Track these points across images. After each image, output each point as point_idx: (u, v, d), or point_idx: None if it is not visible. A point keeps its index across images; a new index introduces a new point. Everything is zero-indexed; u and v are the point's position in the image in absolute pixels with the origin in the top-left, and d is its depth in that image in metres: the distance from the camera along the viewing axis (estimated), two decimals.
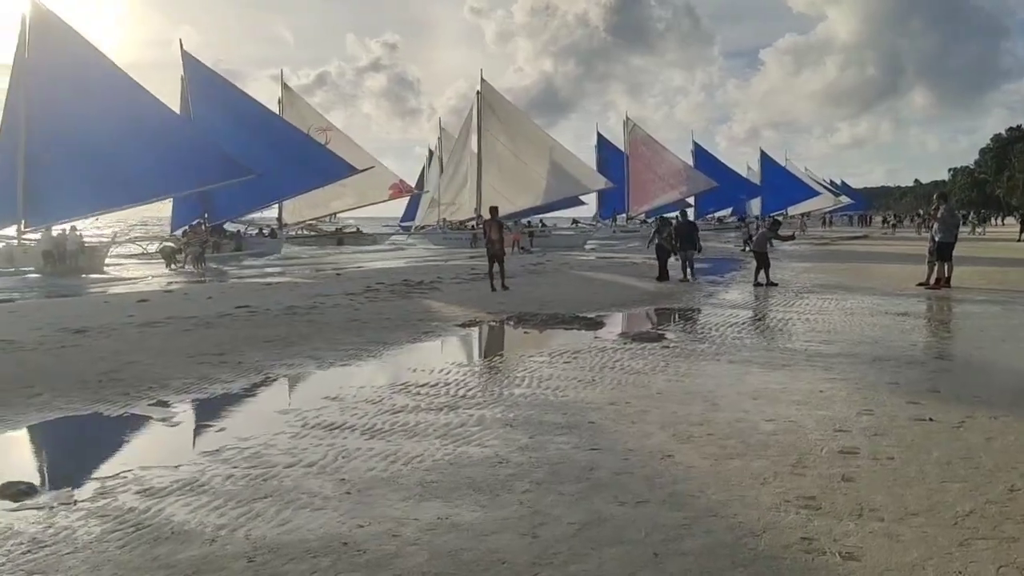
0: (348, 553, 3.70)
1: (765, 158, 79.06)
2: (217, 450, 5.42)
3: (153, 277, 24.44)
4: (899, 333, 10.62)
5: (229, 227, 39.95)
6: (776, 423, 6.00)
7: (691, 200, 60.63)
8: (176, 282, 22.28)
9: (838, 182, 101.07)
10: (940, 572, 3.50)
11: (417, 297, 15.71)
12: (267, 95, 47.76)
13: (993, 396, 6.96)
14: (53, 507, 4.32)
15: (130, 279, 23.93)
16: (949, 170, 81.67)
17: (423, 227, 51.40)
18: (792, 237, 25.52)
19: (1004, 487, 4.56)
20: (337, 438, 5.72)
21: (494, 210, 18.35)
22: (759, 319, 12.61)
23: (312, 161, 36.75)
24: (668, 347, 9.64)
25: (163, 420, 6.42)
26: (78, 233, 28.05)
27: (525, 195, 44.35)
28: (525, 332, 11.47)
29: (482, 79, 45.85)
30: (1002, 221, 69.74)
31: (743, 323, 11.92)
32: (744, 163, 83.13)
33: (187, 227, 35.91)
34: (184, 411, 6.73)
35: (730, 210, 71.12)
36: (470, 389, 7.36)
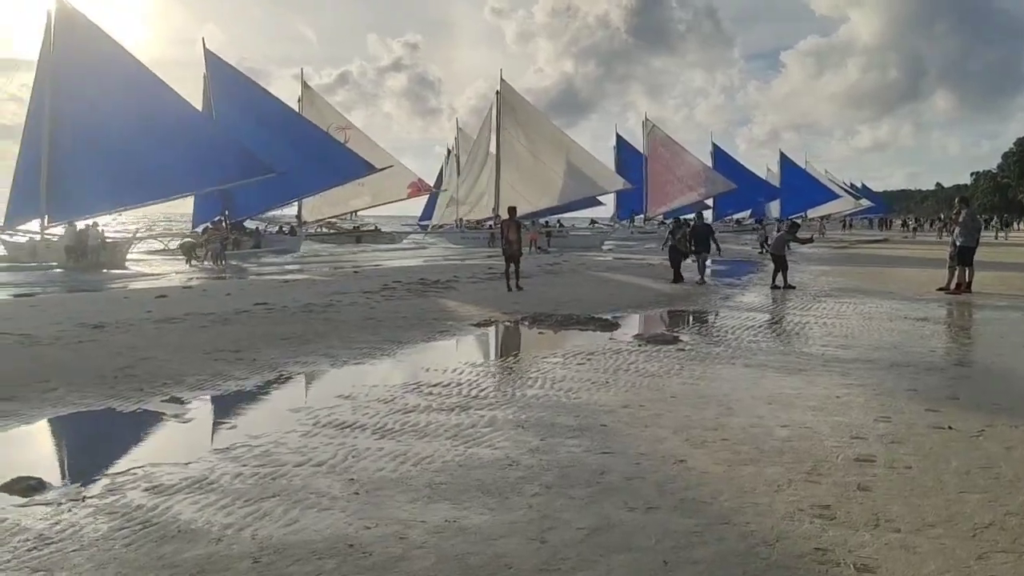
0: (354, 555, 3.67)
1: (785, 160, 78.46)
2: (228, 448, 5.41)
3: (176, 273, 24.60)
4: (918, 339, 10.48)
5: (248, 224, 40.12)
6: (791, 429, 5.92)
7: (710, 202, 60.35)
8: (196, 278, 22.42)
9: (858, 185, 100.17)
10: None
11: (433, 296, 15.70)
12: (289, 94, 47.88)
13: (1014, 404, 6.82)
14: (61, 503, 4.33)
15: (151, 275, 24.10)
16: (971, 174, 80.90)
17: (441, 226, 51.44)
18: (810, 240, 25.32)
19: None
20: (348, 437, 5.70)
21: (512, 210, 18.32)
22: (775, 322, 12.49)
23: (332, 159, 36.85)
24: (683, 350, 9.56)
25: (176, 416, 6.43)
26: (100, 229, 28.29)
27: (543, 195, 44.24)
28: (540, 333, 11.42)
29: (501, 79, 45.78)
30: None
31: (759, 326, 11.81)
32: (763, 165, 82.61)
33: (208, 224, 36.12)
34: (197, 408, 6.74)
35: (749, 212, 70.64)
36: (482, 390, 7.32)
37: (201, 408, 6.77)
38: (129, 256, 28.68)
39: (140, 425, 6.33)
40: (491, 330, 11.71)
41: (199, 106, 35.68)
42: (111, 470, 4.97)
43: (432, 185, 49.60)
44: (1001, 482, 4.74)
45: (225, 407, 7.01)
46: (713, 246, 19.88)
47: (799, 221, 40.50)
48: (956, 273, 16.27)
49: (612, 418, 6.25)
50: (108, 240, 28.52)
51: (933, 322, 12.23)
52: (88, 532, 3.94)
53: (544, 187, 44.35)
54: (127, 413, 6.54)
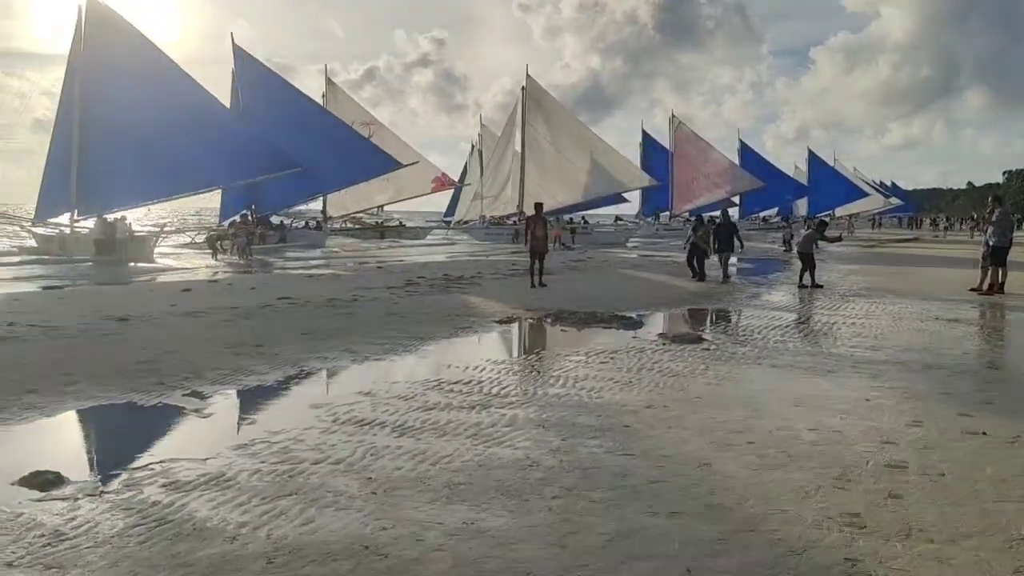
0: (369, 557, 3.60)
1: (813, 158, 77.50)
2: (246, 444, 5.37)
3: (206, 267, 24.78)
4: (950, 340, 10.24)
5: (274, 219, 40.36)
6: (819, 432, 5.77)
7: (736, 199, 59.79)
8: (222, 272, 22.56)
9: (888, 183, 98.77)
10: None
11: (456, 292, 15.65)
12: (317, 89, 47.95)
13: None
14: (78, 498, 4.30)
15: (178, 268, 24.29)
16: (1003, 173, 79.39)
17: (465, 222, 51.43)
18: (839, 238, 24.87)
19: None
20: (367, 435, 5.64)
21: (539, 206, 18.22)
22: (803, 322, 12.28)
23: (358, 155, 36.99)
24: (708, 349, 9.41)
25: (196, 411, 6.41)
26: (128, 222, 28.56)
27: (567, 191, 44.07)
28: (562, 330, 11.32)
29: (527, 75, 45.59)
30: None
31: (786, 326, 11.61)
32: (791, 163, 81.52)
33: (235, 218, 36.39)
34: (217, 403, 6.72)
35: (775, 210, 69.91)
36: (504, 387, 7.24)
37: (221, 403, 6.74)
38: (157, 250, 28.93)
39: (160, 419, 6.32)
40: (513, 327, 11.62)
41: (227, 101, 35.96)
42: (129, 465, 4.95)
43: (456, 180, 49.63)
44: None
45: (245, 402, 7.00)
46: (736, 243, 19.61)
47: (827, 219, 40.00)
48: (989, 273, 15.92)
49: (635, 419, 6.14)
50: (136, 234, 28.78)
51: (965, 323, 11.96)
52: (103, 529, 3.90)
53: (569, 183, 44.18)
54: (147, 407, 6.53)
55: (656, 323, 12.34)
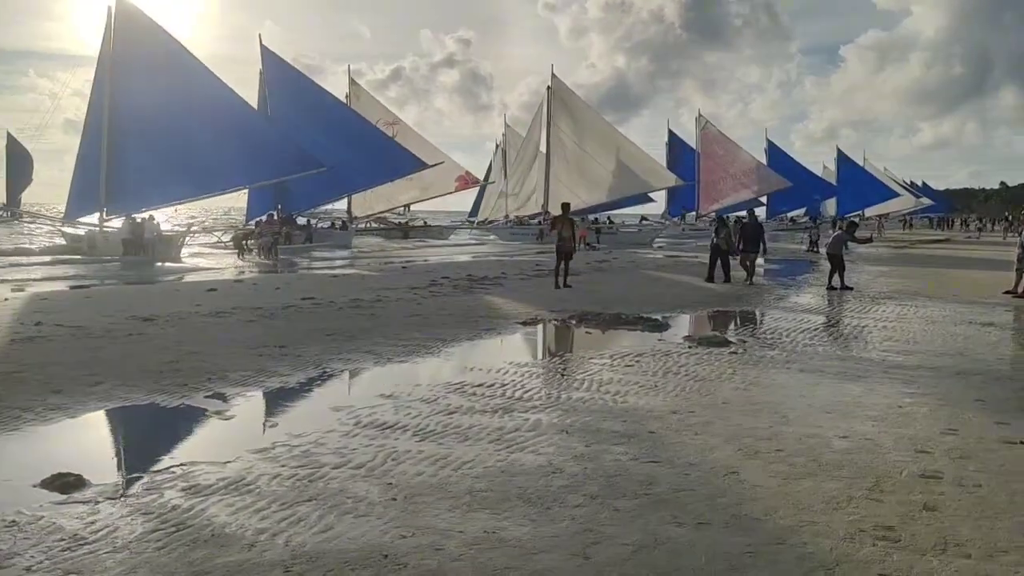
0: (388, 567, 3.53)
1: (842, 157, 76.46)
2: (267, 447, 5.34)
3: (232, 267, 24.95)
4: (985, 345, 10.00)
5: (299, 219, 40.58)
6: (851, 440, 5.62)
7: (763, 199, 59.17)
8: (247, 272, 22.70)
9: (919, 183, 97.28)
10: None
11: (480, 293, 15.58)
12: (344, 89, 48.20)
13: None
14: (99, 502, 4.28)
15: (204, 268, 24.46)
16: None
17: (489, 222, 51.39)
18: (870, 240, 24.48)
19: None
20: (388, 439, 5.59)
21: (566, 207, 18.12)
22: (832, 325, 12.07)
23: (385, 156, 37.15)
24: (735, 353, 9.25)
25: (217, 413, 6.39)
26: (156, 222, 28.83)
27: (592, 191, 43.87)
28: (587, 332, 11.21)
29: (552, 74, 45.44)
30: None
31: (815, 329, 11.41)
32: (820, 163, 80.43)
33: (261, 218, 36.66)
34: (239, 405, 6.69)
35: (803, 210, 69.10)
36: (527, 391, 7.15)
37: (243, 405, 6.72)
38: (184, 249, 29.17)
39: (182, 421, 6.32)
40: (537, 329, 11.53)
41: (255, 102, 36.23)
42: (150, 468, 4.93)
43: (480, 179, 49.65)
44: None
45: (267, 404, 6.99)
46: (761, 246, 19.28)
47: (857, 220, 39.44)
48: None
49: (660, 424, 6.03)
50: (163, 234, 29.04)
51: (1000, 327, 11.69)
52: (122, 533, 3.87)
53: (594, 183, 43.99)
54: (170, 408, 6.53)
55: (682, 325, 12.19)
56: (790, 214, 68.59)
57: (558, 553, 3.70)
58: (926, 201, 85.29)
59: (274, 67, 38.99)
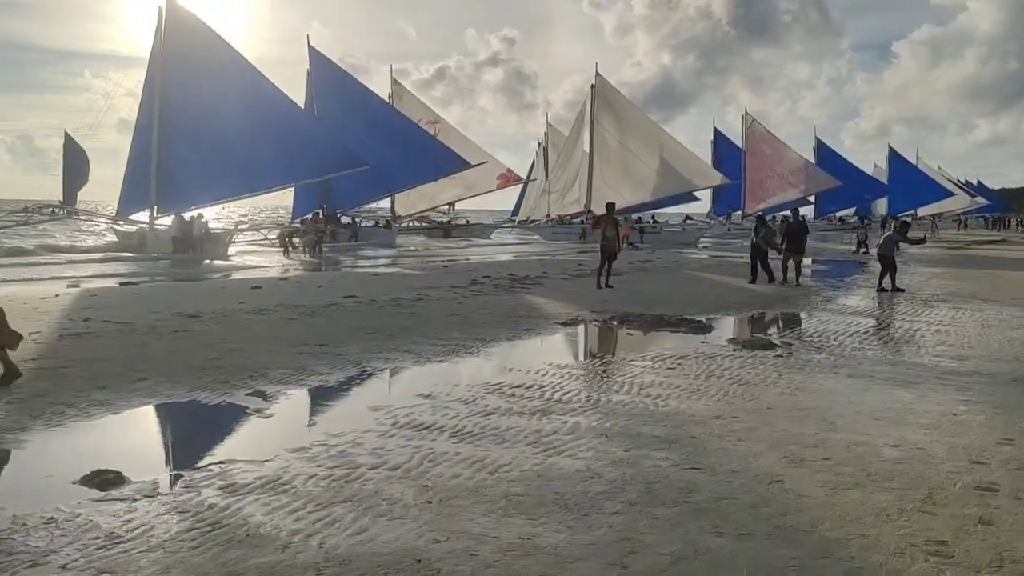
0: (421, 572, 3.48)
1: (894, 155, 74.68)
2: (305, 447, 5.33)
3: (278, 264, 25.29)
4: None
5: (344, 218, 41.00)
6: (902, 449, 5.42)
7: (811, 199, 58.09)
8: (292, 270, 22.97)
9: (973, 182, 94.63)
10: None
11: (521, 292, 15.52)
12: (387, 89, 48.61)
13: None
14: (136, 499, 4.30)
15: (251, 266, 24.82)
16: None
17: (531, 221, 51.31)
18: (923, 240, 23.73)
19: None
20: (425, 440, 5.54)
21: (611, 206, 17.99)
22: (882, 329, 11.74)
23: (428, 155, 37.39)
24: (781, 356, 9.04)
25: (257, 411, 6.42)
26: (204, 220, 29.35)
27: (636, 190, 43.53)
28: (628, 333, 11.06)
29: (596, 72, 45.23)
30: None
31: (864, 332, 11.11)
32: (871, 161, 78.67)
33: (307, 216, 37.10)
34: (279, 403, 6.72)
35: (853, 210, 67.66)
36: (566, 393, 7.05)
37: (283, 403, 6.74)
38: (232, 247, 29.63)
39: (222, 419, 6.37)
40: (578, 330, 11.41)
41: (303, 101, 36.70)
42: (189, 465, 4.96)
43: (521, 177, 49.65)
44: None
45: (306, 403, 7.02)
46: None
47: (909, 220, 38.49)
48: None
49: (703, 429, 5.89)
50: (211, 231, 29.55)
51: None
52: (158, 532, 3.88)
53: (638, 182, 43.65)
54: (211, 406, 6.58)
55: (726, 327, 11.97)
56: (839, 214, 67.27)
57: (594, 562, 3.61)
58: (981, 200, 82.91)
59: (321, 67, 39.51)
